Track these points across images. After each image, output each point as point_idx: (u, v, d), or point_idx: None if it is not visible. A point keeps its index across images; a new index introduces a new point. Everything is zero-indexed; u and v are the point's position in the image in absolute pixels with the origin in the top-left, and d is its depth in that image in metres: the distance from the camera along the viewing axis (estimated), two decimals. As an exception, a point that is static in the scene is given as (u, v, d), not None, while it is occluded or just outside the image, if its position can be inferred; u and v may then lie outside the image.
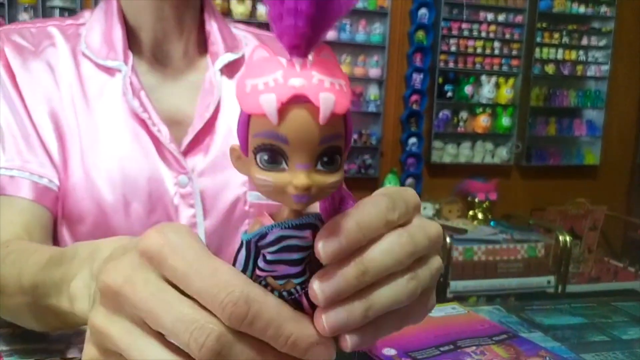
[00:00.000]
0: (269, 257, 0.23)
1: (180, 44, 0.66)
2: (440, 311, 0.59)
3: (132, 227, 0.62)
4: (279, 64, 0.22)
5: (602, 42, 3.09)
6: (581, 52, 3.08)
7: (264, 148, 0.22)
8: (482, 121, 2.89)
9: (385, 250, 0.24)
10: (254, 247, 0.23)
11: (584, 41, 3.07)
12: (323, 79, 0.21)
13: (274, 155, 0.22)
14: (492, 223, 2.73)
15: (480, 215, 2.78)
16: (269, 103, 0.21)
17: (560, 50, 3.03)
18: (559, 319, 0.63)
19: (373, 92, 2.74)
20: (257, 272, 0.24)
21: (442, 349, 0.49)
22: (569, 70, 3.06)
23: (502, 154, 2.97)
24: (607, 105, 3.12)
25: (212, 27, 0.68)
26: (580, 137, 3.16)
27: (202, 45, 0.68)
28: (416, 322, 0.28)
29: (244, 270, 0.24)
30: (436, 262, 0.27)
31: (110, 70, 0.63)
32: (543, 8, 2.93)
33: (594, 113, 3.16)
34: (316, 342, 0.23)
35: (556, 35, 3.01)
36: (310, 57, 0.22)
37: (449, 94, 2.84)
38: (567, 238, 2.44)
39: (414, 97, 2.79)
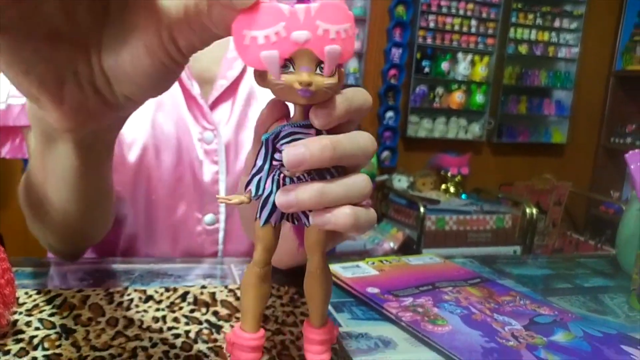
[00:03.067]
0: (281, 148, 0.28)
1: None
2: (418, 260, 0.64)
3: (162, 175, 0.63)
4: (280, 13, 0.21)
5: (573, 25, 3.18)
6: (553, 34, 3.17)
7: None
8: (457, 97, 2.96)
9: (348, 137, 0.28)
10: (271, 144, 0.28)
11: (556, 23, 3.16)
12: (328, 28, 0.22)
13: (284, 63, 0.25)
14: (463, 196, 2.83)
15: (452, 189, 2.87)
16: (271, 60, 0.22)
17: (533, 31, 3.11)
18: (527, 270, 0.67)
19: (353, 65, 2.78)
20: (273, 162, 0.29)
21: (421, 288, 0.54)
22: (541, 51, 3.15)
23: (475, 130, 3.06)
24: (575, 86, 3.23)
25: None
26: (549, 116, 3.27)
27: None
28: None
29: (263, 163, 0.29)
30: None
31: None
32: (519, -12, 3.00)
33: (563, 93, 3.27)
34: None
35: (530, 16, 3.09)
36: (315, 4, 0.22)
37: (426, 69, 2.90)
38: (534, 210, 2.56)
39: (392, 72, 2.83)
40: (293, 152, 0.26)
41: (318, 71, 0.26)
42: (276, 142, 0.28)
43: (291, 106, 0.29)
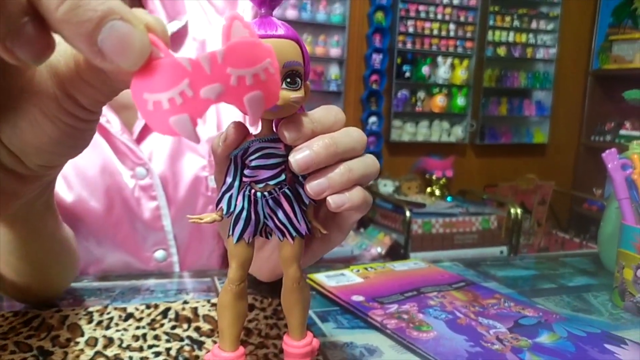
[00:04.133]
0: (251, 164, 0.28)
1: None
2: (403, 265, 0.64)
3: (90, 227, 0.59)
4: (181, 68, 0.18)
5: (550, 26, 3.24)
6: (531, 36, 3.22)
7: None
8: (439, 101, 2.99)
9: (342, 133, 0.29)
10: (240, 160, 0.28)
11: (533, 25, 3.21)
12: (243, 74, 0.18)
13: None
14: (448, 198, 2.84)
15: (437, 192, 2.89)
16: (182, 125, 0.18)
17: (511, 34, 3.16)
18: (511, 271, 0.67)
19: (334, 71, 2.79)
20: (243, 179, 0.29)
21: (406, 294, 0.54)
22: (519, 53, 3.20)
23: (458, 132, 3.09)
24: (554, 86, 3.28)
25: None
26: (529, 117, 3.32)
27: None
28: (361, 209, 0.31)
29: (233, 180, 0.29)
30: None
31: None
32: (495, -8, 3.05)
33: (543, 94, 3.32)
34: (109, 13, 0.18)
35: (507, 19, 3.14)
36: (221, 48, 0.18)
37: (407, 74, 2.92)
38: (518, 210, 2.58)
39: (374, 77, 2.85)
40: (300, 156, 0.27)
41: (284, 85, 0.26)
42: (245, 158, 0.28)
43: None
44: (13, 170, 0.26)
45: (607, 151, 0.61)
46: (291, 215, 0.29)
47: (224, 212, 0.29)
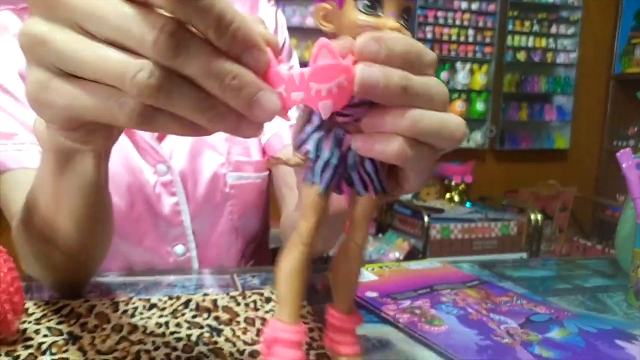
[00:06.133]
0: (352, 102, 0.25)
1: None
2: (418, 265, 0.66)
3: (118, 219, 0.58)
4: (279, 77, 0.23)
5: (570, 31, 3.21)
6: (550, 40, 3.19)
7: None
8: (458, 106, 2.98)
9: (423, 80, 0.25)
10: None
11: (553, 29, 3.19)
12: (320, 88, 0.23)
13: (373, 3, 0.25)
14: (467, 204, 2.83)
15: (456, 198, 2.88)
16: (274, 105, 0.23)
17: (530, 38, 3.14)
18: (527, 272, 0.68)
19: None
20: (338, 118, 0.26)
21: (419, 291, 0.55)
22: (539, 57, 3.18)
23: (477, 138, 3.08)
24: (575, 91, 3.25)
25: None
26: (550, 121, 3.29)
27: None
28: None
29: (321, 120, 0.26)
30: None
31: None
32: (514, -3, 3.04)
33: (564, 99, 3.29)
34: (262, 87, 0.23)
35: (527, 24, 3.12)
36: (309, 69, 0.23)
37: (426, 80, 2.93)
38: (538, 216, 2.56)
39: (392, 83, 2.86)
40: (368, 71, 0.23)
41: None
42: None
43: None
44: None
45: (622, 151, 0.61)
46: (378, 166, 0.27)
47: (311, 155, 0.26)
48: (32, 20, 0.24)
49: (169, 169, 0.64)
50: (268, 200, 0.75)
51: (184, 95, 0.22)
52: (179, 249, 0.66)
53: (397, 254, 2.38)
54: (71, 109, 0.24)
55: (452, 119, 0.26)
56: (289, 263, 0.26)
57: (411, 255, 2.40)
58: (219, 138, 0.67)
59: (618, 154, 0.61)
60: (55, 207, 0.41)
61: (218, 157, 0.67)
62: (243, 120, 0.23)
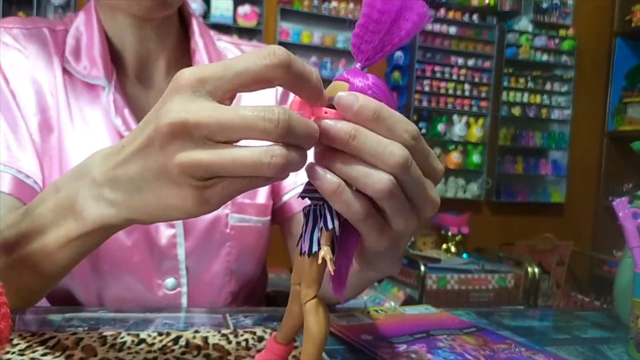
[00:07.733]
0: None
1: (163, 62, 0.65)
2: (414, 310, 0.64)
3: (110, 248, 0.59)
4: (304, 107, 0.32)
5: (564, 88, 3.30)
6: (545, 97, 3.28)
7: None
8: (454, 157, 3.02)
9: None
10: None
11: (547, 86, 3.28)
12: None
13: None
14: (464, 255, 2.81)
15: (453, 248, 2.86)
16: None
17: (525, 94, 3.23)
18: (525, 322, 0.67)
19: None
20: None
21: (415, 336, 0.53)
22: (534, 113, 3.25)
23: (473, 189, 3.10)
24: (570, 146, 3.30)
25: (198, 44, 0.66)
26: (546, 175, 3.32)
27: (187, 63, 0.66)
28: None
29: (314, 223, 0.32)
30: None
31: (93, 87, 0.62)
32: (509, 55, 3.14)
33: (559, 154, 3.34)
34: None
35: (521, 80, 3.22)
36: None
37: (423, 131, 2.98)
38: (536, 269, 2.53)
39: (390, 133, 2.91)
40: (345, 96, 0.30)
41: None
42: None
43: None
44: None
45: (618, 200, 0.62)
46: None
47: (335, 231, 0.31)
48: (173, 152, 0.29)
49: None
50: (267, 246, 0.73)
51: (304, 158, 0.30)
52: (170, 282, 0.64)
53: (392, 303, 2.33)
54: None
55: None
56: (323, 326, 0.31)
57: (407, 305, 2.35)
58: None
59: (614, 203, 0.62)
60: (56, 273, 0.43)
61: None
62: None
